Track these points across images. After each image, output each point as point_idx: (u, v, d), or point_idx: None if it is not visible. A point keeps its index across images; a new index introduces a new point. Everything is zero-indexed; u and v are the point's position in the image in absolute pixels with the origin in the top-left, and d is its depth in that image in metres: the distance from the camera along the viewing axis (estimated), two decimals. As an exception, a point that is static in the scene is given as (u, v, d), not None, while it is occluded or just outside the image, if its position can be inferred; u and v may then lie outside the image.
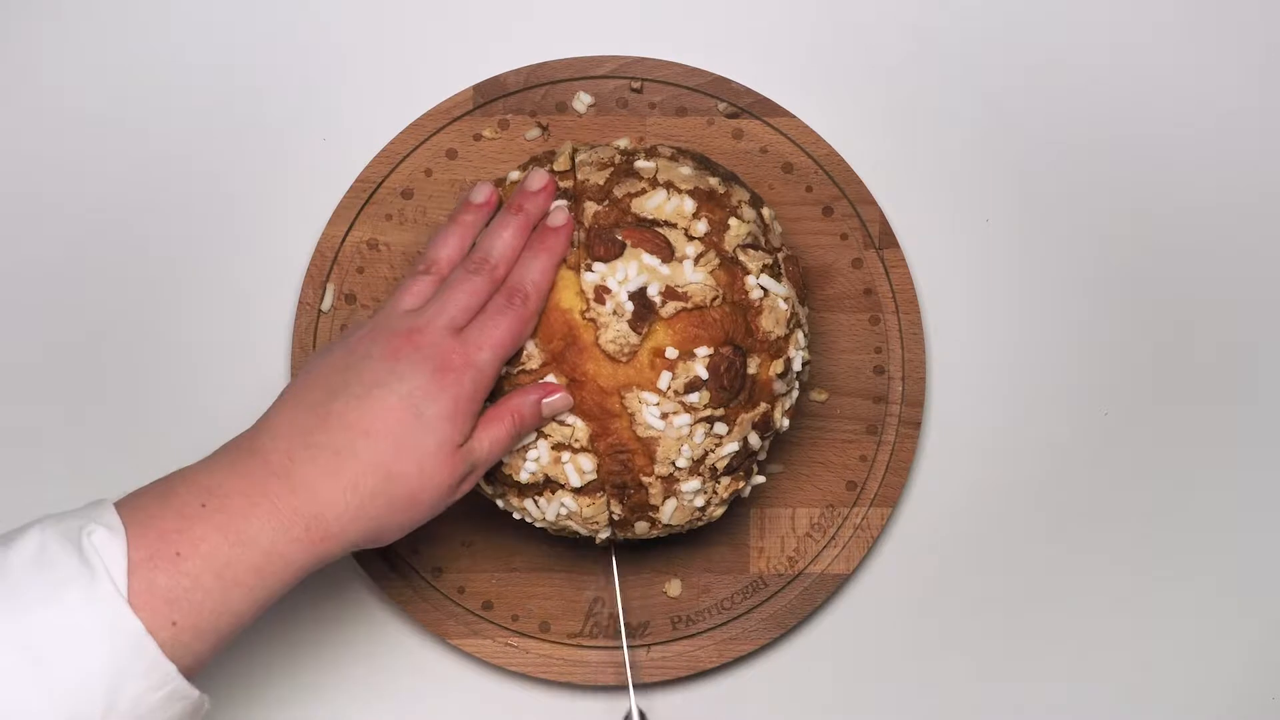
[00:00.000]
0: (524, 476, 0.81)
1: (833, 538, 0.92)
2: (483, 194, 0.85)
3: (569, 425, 0.81)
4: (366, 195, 0.93)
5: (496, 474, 0.82)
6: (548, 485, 0.82)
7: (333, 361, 0.78)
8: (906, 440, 0.92)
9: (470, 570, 0.91)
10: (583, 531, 0.84)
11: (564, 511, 0.82)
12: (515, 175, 0.86)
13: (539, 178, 0.84)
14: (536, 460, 0.81)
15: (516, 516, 0.84)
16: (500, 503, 0.84)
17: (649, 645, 0.91)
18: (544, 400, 0.80)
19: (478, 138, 0.93)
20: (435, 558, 0.91)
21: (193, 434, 0.86)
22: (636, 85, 0.94)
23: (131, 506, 0.73)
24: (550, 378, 0.80)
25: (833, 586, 0.92)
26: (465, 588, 0.91)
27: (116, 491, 0.74)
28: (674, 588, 0.91)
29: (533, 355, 0.81)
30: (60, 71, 0.95)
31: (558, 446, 0.81)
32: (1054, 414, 0.95)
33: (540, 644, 0.91)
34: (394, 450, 0.75)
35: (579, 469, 0.81)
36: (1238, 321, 0.95)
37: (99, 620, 0.68)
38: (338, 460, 0.74)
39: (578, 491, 0.82)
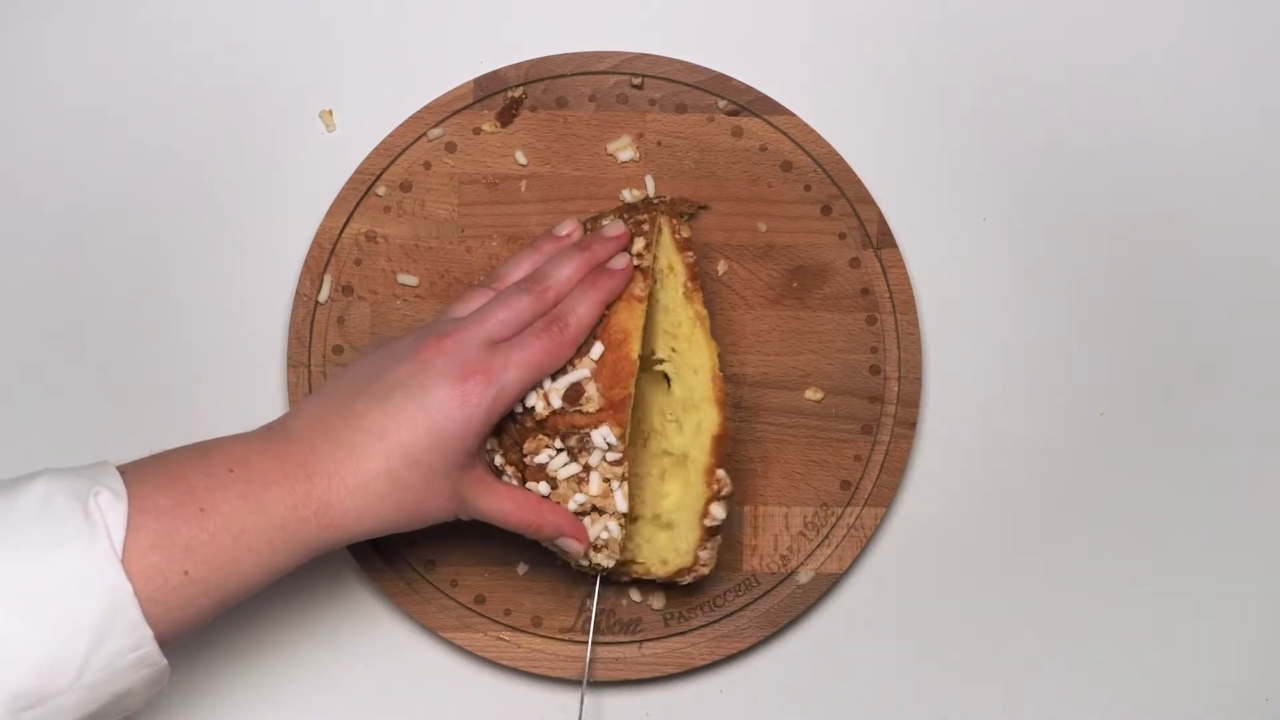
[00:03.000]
0: (573, 506, 0.82)
1: (826, 537, 0.92)
2: (567, 228, 0.87)
3: (619, 465, 0.82)
4: (365, 187, 0.93)
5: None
6: (594, 510, 0.82)
7: (373, 358, 0.81)
8: (901, 440, 0.92)
9: (463, 564, 0.91)
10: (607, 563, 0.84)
11: (605, 536, 0.82)
12: (607, 222, 0.87)
13: (616, 228, 0.86)
14: (586, 493, 0.82)
15: (544, 544, 0.84)
16: None
17: (641, 642, 0.91)
18: (561, 537, 0.83)
19: (477, 131, 0.93)
20: (428, 551, 0.91)
21: (190, 424, 0.86)
22: (637, 81, 0.93)
23: (164, 459, 0.76)
24: (606, 426, 0.81)
25: (826, 586, 0.92)
26: (458, 581, 0.91)
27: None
28: (658, 600, 0.91)
29: (592, 398, 0.81)
30: (56, 65, 0.95)
31: (608, 480, 0.82)
32: (1050, 414, 0.95)
33: (532, 639, 0.91)
34: (403, 459, 0.78)
35: (627, 495, 0.82)
36: (1235, 321, 0.95)
37: (95, 576, 0.70)
38: (352, 459, 0.77)
39: (624, 517, 0.82)
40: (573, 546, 0.83)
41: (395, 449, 0.77)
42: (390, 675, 0.93)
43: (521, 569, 0.92)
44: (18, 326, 0.94)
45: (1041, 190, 0.96)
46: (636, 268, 0.85)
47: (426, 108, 0.93)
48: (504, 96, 0.93)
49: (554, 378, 0.82)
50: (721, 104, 0.94)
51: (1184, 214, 0.96)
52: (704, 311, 0.88)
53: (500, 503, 0.82)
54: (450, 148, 0.93)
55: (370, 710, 0.92)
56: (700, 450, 0.87)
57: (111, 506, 0.72)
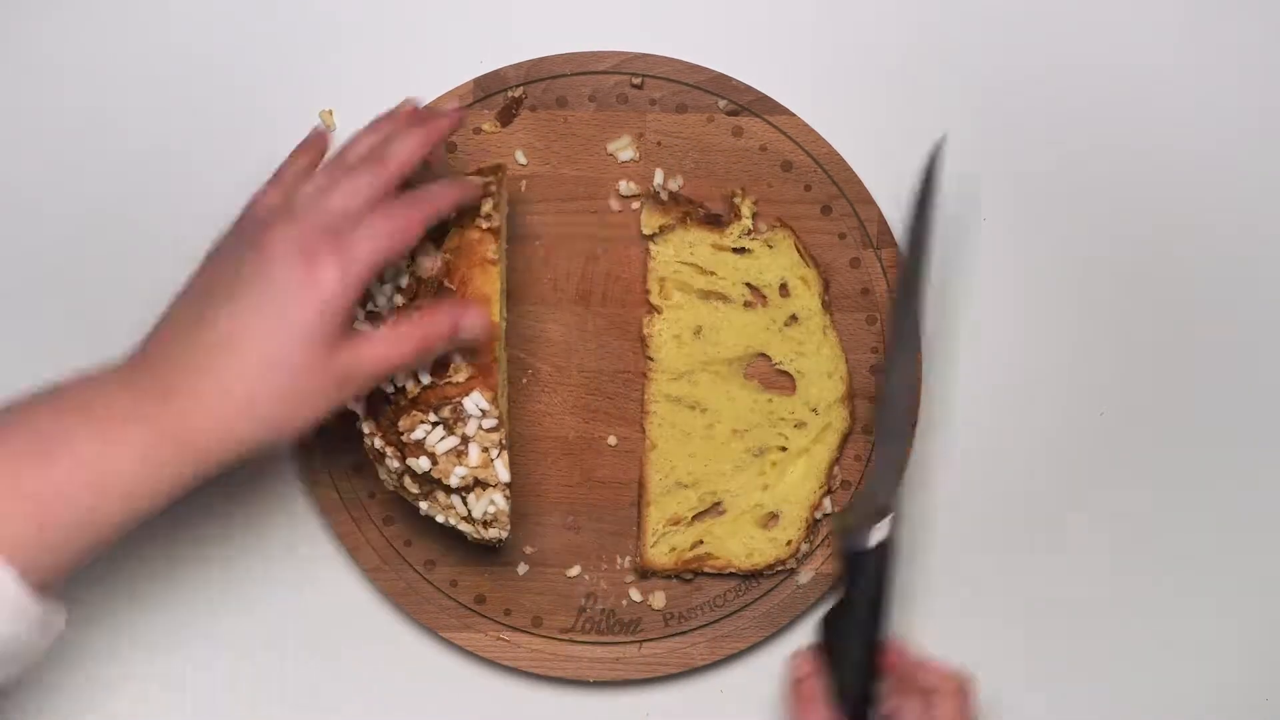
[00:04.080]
0: (454, 481, 0.81)
1: (826, 537, 0.92)
2: (406, 106, 0.84)
3: (496, 431, 0.81)
4: (365, 187, 0.93)
5: (423, 476, 0.82)
6: (477, 485, 0.82)
7: (217, 258, 0.77)
8: (901, 440, 0.92)
9: (463, 564, 0.91)
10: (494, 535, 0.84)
11: (491, 510, 0.82)
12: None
13: (452, 102, 0.86)
14: (467, 465, 0.81)
15: (440, 519, 0.84)
16: (424, 504, 0.84)
17: (641, 642, 0.91)
18: (461, 322, 0.78)
19: (477, 131, 0.93)
20: (428, 551, 0.91)
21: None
22: (637, 81, 0.93)
23: (12, 406, 0.72)
24: (476, 393, 0.80)
25: (826, 586, 0.92)
26: (458, 581, 0.91)
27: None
28: (658, 600, 0.91)
29: (460, 368, 0.81)
30: (55, 64, 0.95)
31: (487, 449, 0.81)
32: (1050, 414, 0.95)
33: (532, 639, 0.91)
34: (261, 363, 0.73)
35: (508, 464, 0.82)
36: (1236, 321, 0.95)
37: None
38: (209, 376, 0.73)
39: (508, 487, 0.82)
40: (473, 326, 0.79)
41: (252, 355, 0.73)
42: (390, 675, 0.93)
43: (522, 569, 0.92)
44: (18, 326, 0.93)
45: (1041, 190, 0.96)
46: (486, 229, 0.84)
47: (426, 107, 0.93)
48: (504, 96, 0.93)
49: None
50: (722, 104, 0.93)
51: (1185, 214, 0.96)
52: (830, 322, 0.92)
53: (377, 351, 0.76)
54: (450, 147, 0.93)
55: (370, 710, 0.93)
56: (826, 448, 0.91)
57: None
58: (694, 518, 0.91)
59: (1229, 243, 0.96)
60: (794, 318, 0.92)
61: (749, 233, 0.92)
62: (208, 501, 0.92)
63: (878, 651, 0.85)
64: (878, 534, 0.85)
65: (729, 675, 0.93)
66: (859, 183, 0.93)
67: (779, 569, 0.90)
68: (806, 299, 0.92)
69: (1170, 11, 0.97)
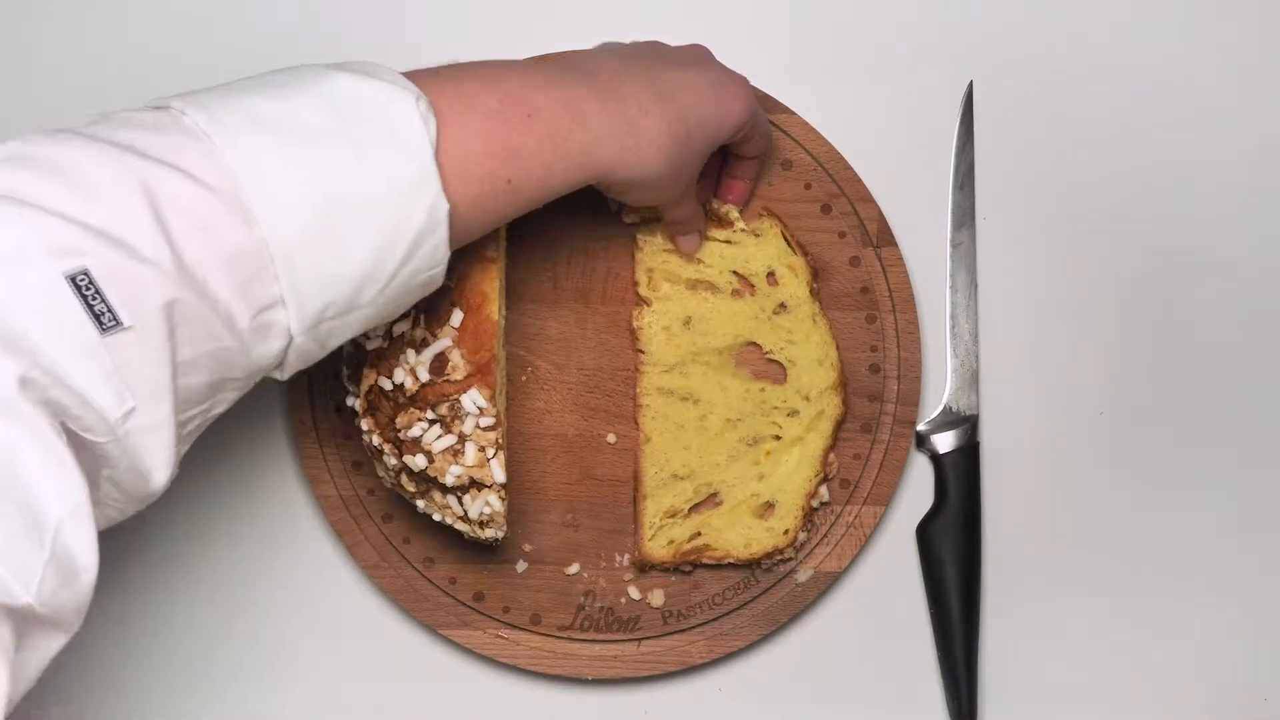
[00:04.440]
0: (449, 480, 0.81)
1: (825, 535, 0.92)
2: None
3: (493, 430, 0.81)
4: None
5: (419, 475, 0.82)
6: (473, 485, 0.82)
7: (631, 49, 0.85)
8: (900, 439, 0.92)
9: (462, 562, 0.91)
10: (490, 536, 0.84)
11: (487, 511, 0.82)
12: None
13: None
14: (463, 464, 0.81)
15: (437, 517, 0.84)
16: (421, 503, 0.84)
17: (639, 640, 0.91)
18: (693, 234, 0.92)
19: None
20: (427, 548, 0.91)
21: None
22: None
23: (468, 66, 0.75)
24: (474, 390, 0.81)
25: (824, 584, 0.92)
26: (457, 579, 0.91)
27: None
28: (656, 598, 0.91)
29: (458, 366, 0.81)
30: (54, 64, 0.95)
31: (483, 448, 0.81)
32: (1049, 414, 0.95)
33: (531, 636, 0.91)
34: (697, 117, 0.80)
35: (504, 465, 0.82)
36: (1236, 321, 0.95)
37: (424, 190, 0.69)
38: (662, 100, 0.79)
39: (503, 488, 0.82)
40: (694, 244, 0.91)
41: (698, 104, 0.80)
42: (389, 673, 0.93)
43: (520, 566, 0.92)
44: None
45: (1041, 190, 0.96)
46: None
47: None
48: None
49: (418, 350, 0.81)
50: (722, 102, 0.94)
51: (1185, 213, 0.96)
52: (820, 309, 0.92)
53: (695, 195, 0.87)
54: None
55: (369, 707, 0.93)
56: (819, 435, 0.91)
57: (429, 115, 0.69)
58: (690, 510, 0.91)
59: (1229, 243, 0.96)
60: (783, 306, 0.92)
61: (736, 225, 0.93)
62: (207, 498, 0.93)
63: (975, 555, 0.92)
64: (961, 438, 0.93)
65: (727, 674, 0.93)
66: (859, 181, 0.93)
67: (778, 558, 0.90)
68: (795, 287, 0.92)
69: (1172, 12, 0.97)
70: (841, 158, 0.94)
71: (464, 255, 0.82)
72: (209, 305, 0.64)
